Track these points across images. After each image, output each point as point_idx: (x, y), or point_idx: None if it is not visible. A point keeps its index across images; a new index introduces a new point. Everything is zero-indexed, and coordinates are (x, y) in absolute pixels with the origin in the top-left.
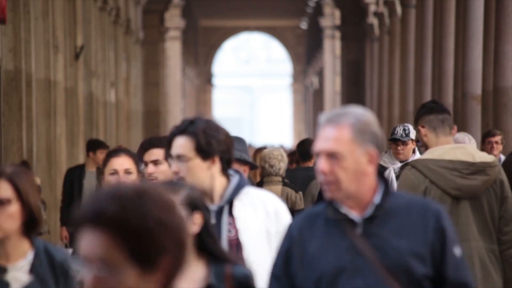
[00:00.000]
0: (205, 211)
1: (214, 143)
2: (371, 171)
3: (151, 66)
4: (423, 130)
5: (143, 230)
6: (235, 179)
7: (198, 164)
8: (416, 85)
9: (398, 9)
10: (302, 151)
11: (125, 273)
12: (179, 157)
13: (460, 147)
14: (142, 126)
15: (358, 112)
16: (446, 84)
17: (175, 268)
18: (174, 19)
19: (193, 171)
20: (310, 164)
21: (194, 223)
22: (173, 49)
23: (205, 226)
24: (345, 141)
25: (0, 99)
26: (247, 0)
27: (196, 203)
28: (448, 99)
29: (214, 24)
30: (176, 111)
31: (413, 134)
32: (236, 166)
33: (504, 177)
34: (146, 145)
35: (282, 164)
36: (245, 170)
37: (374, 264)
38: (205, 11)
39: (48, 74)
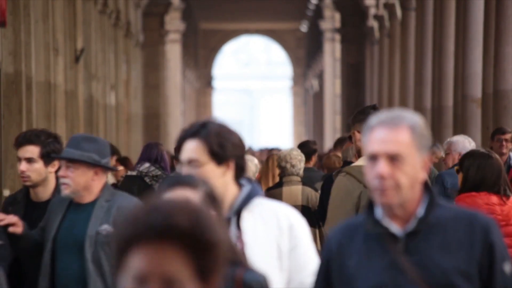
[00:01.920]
0: (220, 207)
1: (229, 147)
2: (422, 179)
3: (151, 69)
4: (358, 135)
5: (211, 245)
6: (246, 189)
7: (212, 169)
8: (416, 88)
9: (398, 11)
10: (303, 152)
11: None
12: (191, 162)
13: None
14: (142, 129)
15: (413, 115)
16: (446, 87)
17: (220, 281)
18: (174, 22)
19: (206, 177)
20: (310, 165)
21: None
22: (173, 51)
23: None
24: (406, 143)
25: (0, 101)
26: (247, 3)
27: (213, 198)
28: (448, 102)
29: (214, 26)
30: (176, 114)
31: None
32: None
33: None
34: (21, 140)
35: (302, 164)
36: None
37: (417, 283)
38: (205, 13)
39: (48, 76)
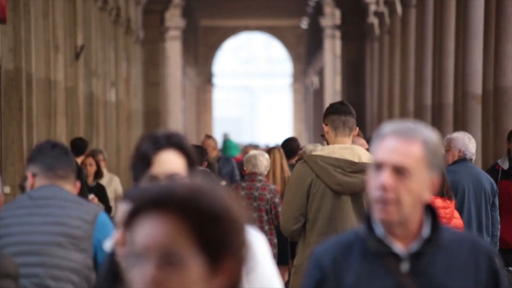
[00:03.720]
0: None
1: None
2: (427, 200)
3: (151, 66)
4: (326, 128)
5: (213, 216)
6: None
7: None
8: (417, 85)
9: (399, 8)
10: (287, 149)
11: (191, 267)
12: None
13: (350, 148)
14: (142, 126)
15: (429, 131)
16: (446, 84)
17: (238, 273)
18: (174, 19)
19: None
20: (293, 161)
21: None
22: (173, 49)
23: None
24: (416, 158)
25: (0, 99)
26: (247, 0)
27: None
28: (449, 99)
29: (214, 24)
30: (176, 111)
31: None
32: None
33: None
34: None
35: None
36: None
37: None
38: (205, 11)
39: (48, 74)
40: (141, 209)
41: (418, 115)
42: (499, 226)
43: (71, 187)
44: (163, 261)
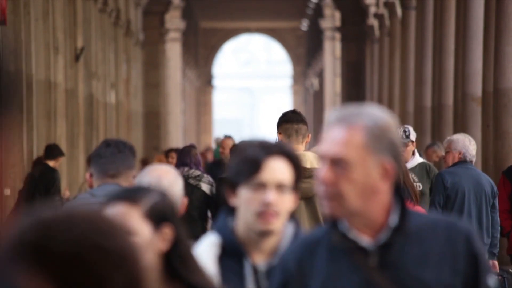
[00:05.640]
0: (177, 223)
1: None
2: (384, 188)
3: (151, 68)
4: (279, 136)
5: (72, 258)
6: None
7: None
8: (417, 87)
9: (398, 10)
10: None
11: None
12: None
13: (302, 155)
14: (142, 127)
15: (376, 113)
16: (446, 85)
17: None
18: (174, 21)
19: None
20: None
21: (163, 239)
22: (173, 50)
23: (176, 244)
24: (357, 146)
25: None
26: (248, 1)
27: (165, 213)
28: (448, 100)
29: (215, 25)
30: (176, 112)
31: (413, 136)
32: None
33: None
34: None
35: None
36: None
37: None
38: (205, 12)
39: (49, 75)
40: (8, 260)
41: (418, 117)
42: (499, 228)
43: (127, 183)
44: None
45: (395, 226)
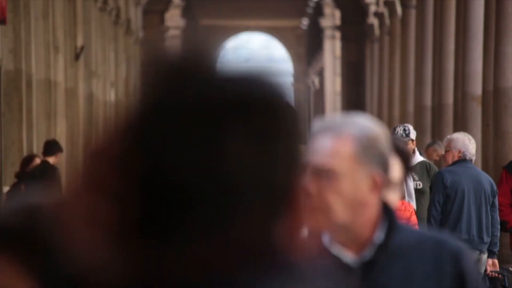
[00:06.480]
0: None
1: None
2: (373, 201)
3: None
4: None
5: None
6: None
7: None
8: (417, 86)
9: (399, 9)
10: None
11: None
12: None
13: None
14: None
15: (364, 123)
16: (446, 85)
17: None
18: (174, 19)
19: None
20: None
21: None
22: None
23: None
24: (345, 157)
25: (0, 99)
26: (248, 0)
27: None
28: (448, 100)
29: (214, 23)
30: None
31: (413, 135)
32: None
33: None
34: None
35: None
36: None
37: None
38: (205, 11)
39: (49, 74)
40: None
41: (418, 116)
42: (499, 227)
43: None
44: None
45: (380, 243)
